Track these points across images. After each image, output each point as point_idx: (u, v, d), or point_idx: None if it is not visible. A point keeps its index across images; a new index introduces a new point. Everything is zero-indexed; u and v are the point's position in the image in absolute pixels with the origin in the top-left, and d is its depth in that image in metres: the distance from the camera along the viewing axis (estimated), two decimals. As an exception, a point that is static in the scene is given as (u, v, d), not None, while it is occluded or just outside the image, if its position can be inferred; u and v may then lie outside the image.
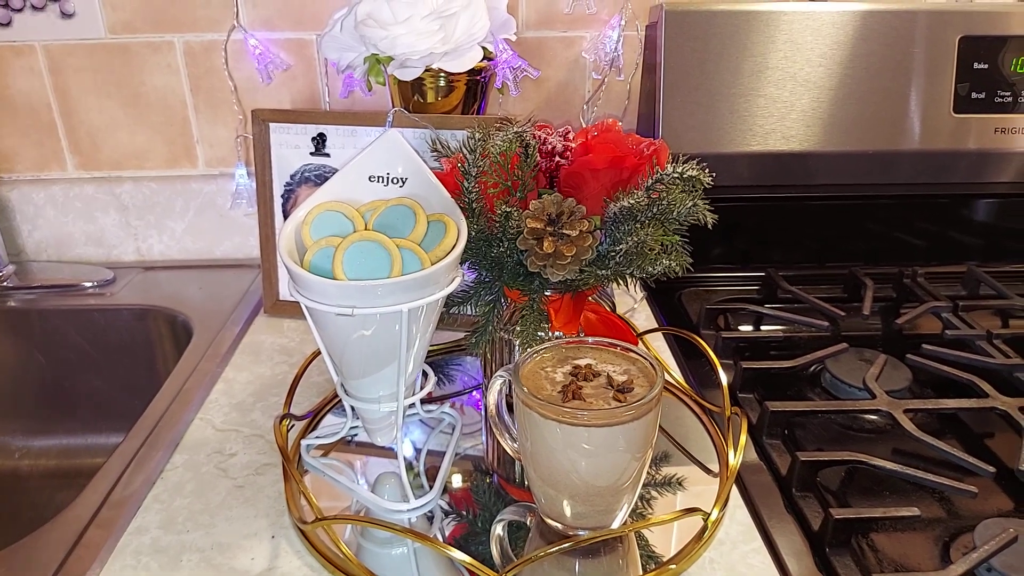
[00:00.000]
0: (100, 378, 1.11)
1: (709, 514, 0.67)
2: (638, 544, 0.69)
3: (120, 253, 1.25)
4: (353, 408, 0.73)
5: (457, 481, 0.72)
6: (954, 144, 1.15)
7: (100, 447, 1.12)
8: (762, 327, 1.06)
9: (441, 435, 0.76)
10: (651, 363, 0.68)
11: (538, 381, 0.67)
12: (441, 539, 0.63)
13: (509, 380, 0.67)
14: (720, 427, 0.83)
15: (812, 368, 0.95)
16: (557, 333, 0.77)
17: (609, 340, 0.70)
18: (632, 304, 1.08)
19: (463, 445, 0.76)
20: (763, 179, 1.08)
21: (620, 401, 0.63)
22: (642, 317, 1.08)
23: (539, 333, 0.73)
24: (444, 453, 0.79)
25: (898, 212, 1.21)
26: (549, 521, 0.69)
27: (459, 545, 0.61)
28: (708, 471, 0.79)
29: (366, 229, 0.68)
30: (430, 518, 0.65)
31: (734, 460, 0.71)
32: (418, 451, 0.75)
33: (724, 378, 0.82)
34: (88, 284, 1.13)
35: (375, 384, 0.70)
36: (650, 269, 0.74)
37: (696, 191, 0.71)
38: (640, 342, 0.89)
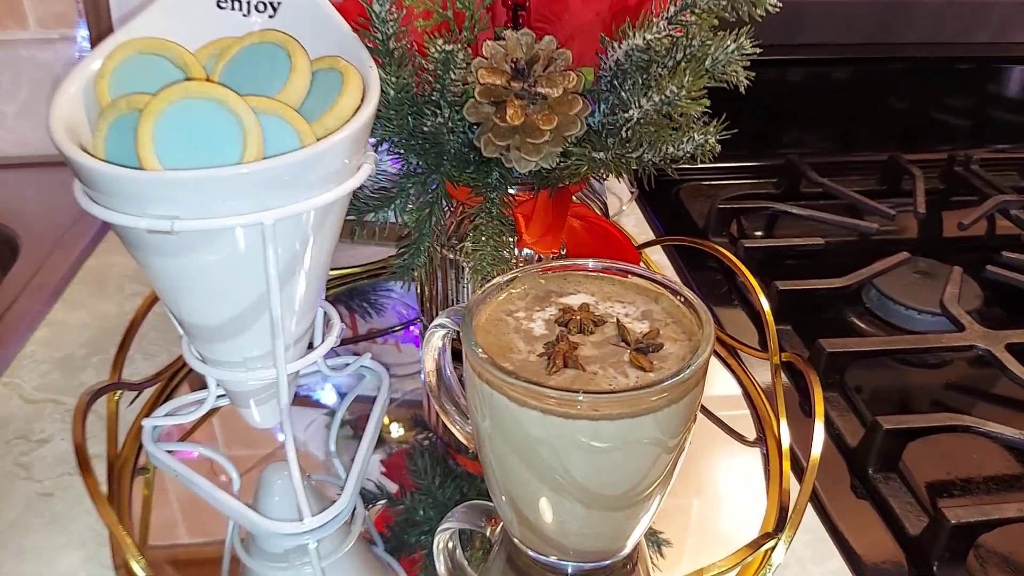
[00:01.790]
0: None
1: (775, 542, 0.42)
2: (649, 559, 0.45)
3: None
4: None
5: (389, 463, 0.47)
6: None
7: None
8: (776, 231, 0.80)
9: (361, 402, 0.56)
10: (686, 300, 0.41)
11: (504, 337, 0.40)
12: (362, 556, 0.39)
13: (456, 334, 0.40)
14: (759, 388, 0.57)
15: (854, 287, 0.69)
16: (528, 252, 0.50)
17: (617, 264, 0.44)
18: (619, 206, 0.81)
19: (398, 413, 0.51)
20: (775, 36, 0.80)
21: (644, 369, 0.37)
22: (631, 223, 0.82)
23: (501, 253, 0.46)
24: (363, 436, 0.53)
25: (938, 82, 0.95)
26: (522, 547, 0.44)
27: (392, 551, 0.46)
28: (746, 441, 0.54)
29: (206, 81, 0.40)
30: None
31: (817, 450, 0.45)
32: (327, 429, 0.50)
33: (766, 305, 0.56)
34: None
35: (237, 343, 0.43)
36: (674, 149, 0.47)
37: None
38: (638, 260, 0.62)
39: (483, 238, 0.48)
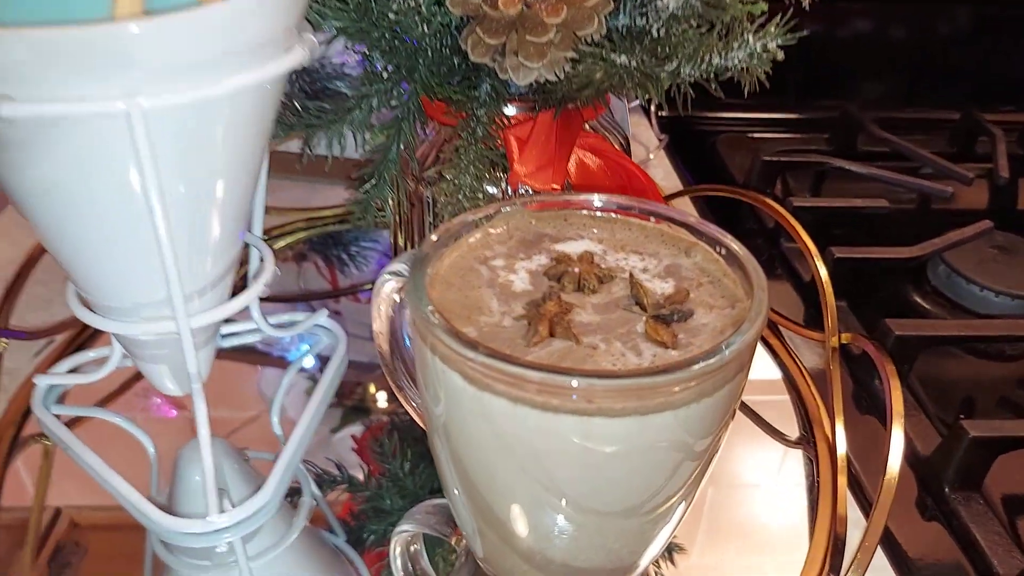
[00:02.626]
0: None
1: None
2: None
3: None
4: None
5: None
6: None
7: None
8: (828, 191, 0.68)
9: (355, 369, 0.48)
10: (730, 253, 0.30)
11: (472, 292, 0.29)
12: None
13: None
14: (807, 375, 0.46)
15: (925, 258, 0.57)
16: (525, 190, 0.39)
17: (637, 203, 0.32)
18: (644, 155, 0.69)
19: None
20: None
21: (664, 344, 0.26)
22: (658, 176, 0.70)
23: (484, 186, 0.35)
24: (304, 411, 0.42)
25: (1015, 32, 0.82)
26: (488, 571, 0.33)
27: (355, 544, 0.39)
28: (788, 441, 0.43)
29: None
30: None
31: (894, 467, 0.34)
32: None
33: (824, 274, 0.45)
34: None
35: (122, 284, 0.32)
36: (719, 59, 0.35)
37: None
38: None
39: (463, 164, 0.37)
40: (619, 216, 0.34)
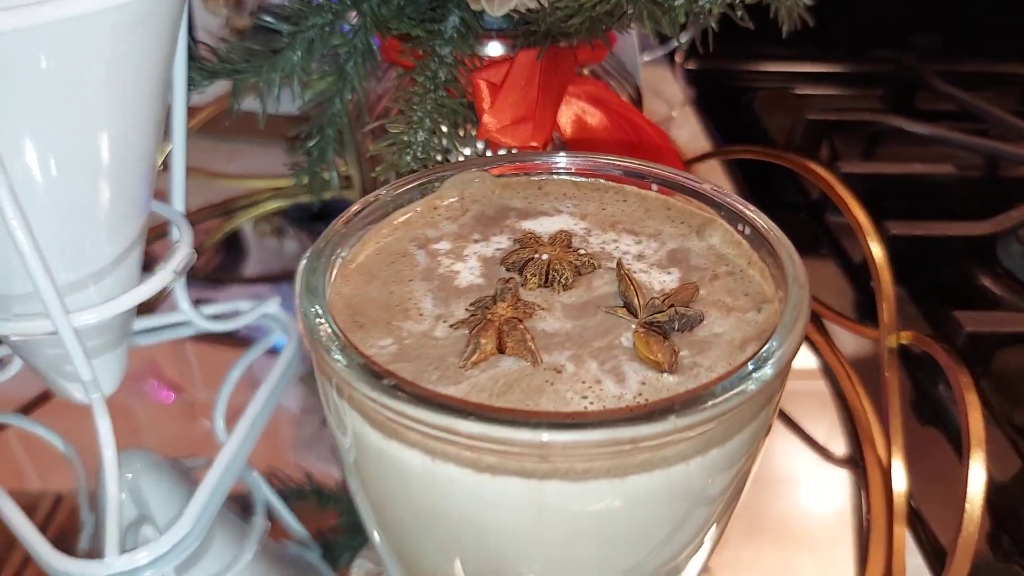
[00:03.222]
0: None
1: None
2: None
3: None
4: None
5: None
6: None
7: None
8: (882, 156, 0.59)
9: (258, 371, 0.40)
10: (756, 232, 0.21)
11: (400, 287, 0.21)
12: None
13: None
14: (855, 381, 0.38)
15: (999, 236, 0.48)
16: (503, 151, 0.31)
17: (636, 165, 0.24)
18: (667, 112, 0.60)
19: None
20: None
21: (659, 366, 0.17)
22: (682, 137, 0.61)
23: (440, 141, 0.27)
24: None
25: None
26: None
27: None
28: (833, 458, 0.35)
29: None
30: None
31: (974, 510, 0.26)
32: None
33: (879, 254, 0.36)
34: None
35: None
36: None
37: None
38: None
39: (416, 117, 0.28)
40: (612, 183, 0.26)
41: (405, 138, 0.28)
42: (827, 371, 0.41)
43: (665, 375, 0.19)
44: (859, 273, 0.48)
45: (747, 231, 0.23)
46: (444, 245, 0.23)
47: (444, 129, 0.29)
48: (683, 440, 0.17)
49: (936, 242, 0.49)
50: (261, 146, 0.56)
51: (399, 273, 0.22)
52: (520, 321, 0.20)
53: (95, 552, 0.31)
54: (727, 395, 0.17)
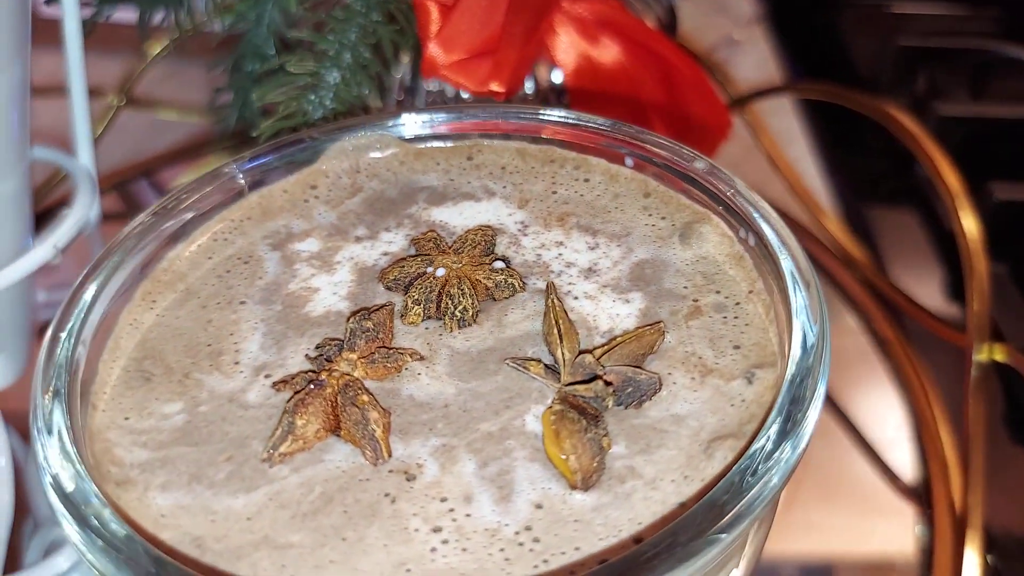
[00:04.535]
0: None
1: None
2: None
3: None
4: None
5: None
6: None
7: None
8: (991, 94, 0.49)
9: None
10: (761, 238, 0.13)
11: (225, 314, 0.14)
12: None
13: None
14: (931, 397, 0.29)
15: None
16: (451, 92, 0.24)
17: (604, 124, 0.16)
18: (730, 33, 0.51)
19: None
20: None
21: (573, 484, 0.10)
22: (747, 64, 0.52)
23: (357, 79, 0.19)
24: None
25: None
26: None
27: None
28: (898, 486, 0.28)
29: None
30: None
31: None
32: None
33: (971, 231, 0.27)
34: None
35: None
36: None
37: None
38: (730, 126, 0.33)
39: (334, 49, 0.21)
40: (571, 154, 0.18)
41: (320, 73, 0.21)
42: (899, 376, 0.33)
43: (575, 494, 0.12)
44: (953, 247, 0.39)
45: (753, 240, 0.15)
46: (311, 245, 0.16)
47: (373, 65, 0.22)
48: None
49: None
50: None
51: (230, 290, 0.15)
52: (363, 389, 0.13)
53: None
54: (663, 560, 0.10)
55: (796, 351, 0.13)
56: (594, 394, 0.13)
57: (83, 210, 0.27)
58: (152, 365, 0.14)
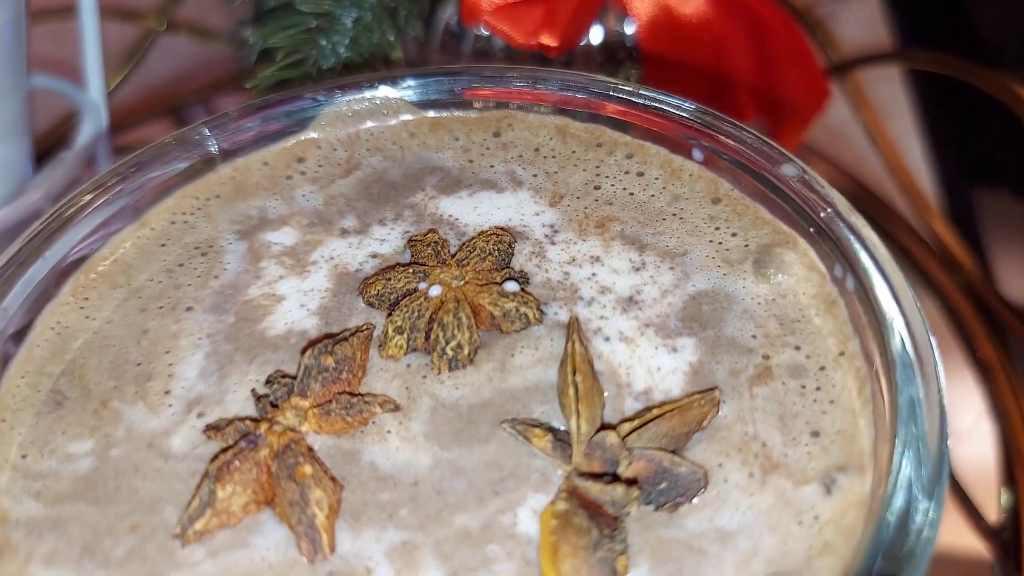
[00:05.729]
0: None
1: None
2: None
3: None
4: None
5: None
6: None
7: None
8: None
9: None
10: (856, 273, 0.10)
11: (166, 323, 0.12)
12: None
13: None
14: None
15: None
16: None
17: (677, 103, 0.12)
18: (836, -13, 0.46)
19: None
20: None
21: None
22: (855, 23, 0.47)
23: (382, 27, 0.16)
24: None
25: None
26: None
27: None
28: (980, 526, 0.24)
29: None
30: None
31: None
32: None
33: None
34: None
35: None
36: None
37: None
38: (828, 96, 0.29)
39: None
40: (627, 138, 0.14)
41: (322, 21, 0.18)
42: (997, 407, 0.28)
43: None
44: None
45: (851, 283, 0.11)
46: (285, 236, 0.13)
47: (398, 9, 0.18)
48: None
49: None
50: None
51: (178, 291, 0.13)
52: (307, 456, 0.10)
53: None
54: None
55: (899, 462, 0.09)
56: (611, 500, 0.09)
57: (94, 119, 0.25)
58: (68, 385, 0.11)
